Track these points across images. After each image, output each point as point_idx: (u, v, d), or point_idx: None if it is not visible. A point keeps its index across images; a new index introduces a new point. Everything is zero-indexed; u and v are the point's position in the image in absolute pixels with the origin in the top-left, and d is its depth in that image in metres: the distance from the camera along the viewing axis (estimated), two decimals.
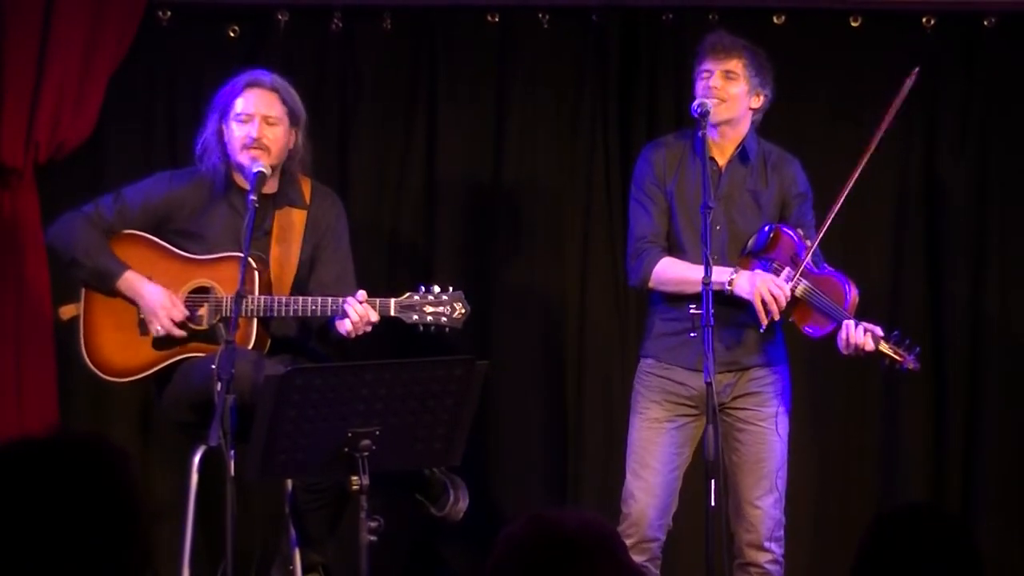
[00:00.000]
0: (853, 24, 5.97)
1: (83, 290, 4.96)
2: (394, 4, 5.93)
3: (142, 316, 4.89)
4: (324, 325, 4.88)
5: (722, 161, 5.08)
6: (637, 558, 4.90)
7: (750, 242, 5.03)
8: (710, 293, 4.69)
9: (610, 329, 5.96)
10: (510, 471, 5.96)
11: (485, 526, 5.33)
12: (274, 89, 4.92)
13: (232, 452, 4.36)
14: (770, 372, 5.05)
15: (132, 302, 4.90)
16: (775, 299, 4.88)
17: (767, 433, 5.02)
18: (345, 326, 4.72)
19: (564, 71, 6.00)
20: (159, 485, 5.52)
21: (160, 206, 4.96)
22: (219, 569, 4.66)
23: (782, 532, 5.03)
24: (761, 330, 4.95)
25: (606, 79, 5.96)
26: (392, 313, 4.76)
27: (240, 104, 4.89)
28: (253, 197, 4.73)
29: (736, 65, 5.02)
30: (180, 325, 4.85)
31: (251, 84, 4.92)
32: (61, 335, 5.25)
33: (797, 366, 5.22)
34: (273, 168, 4.90)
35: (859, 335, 4.83)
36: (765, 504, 5.00)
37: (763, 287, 4.88)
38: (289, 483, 4.84)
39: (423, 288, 4.79)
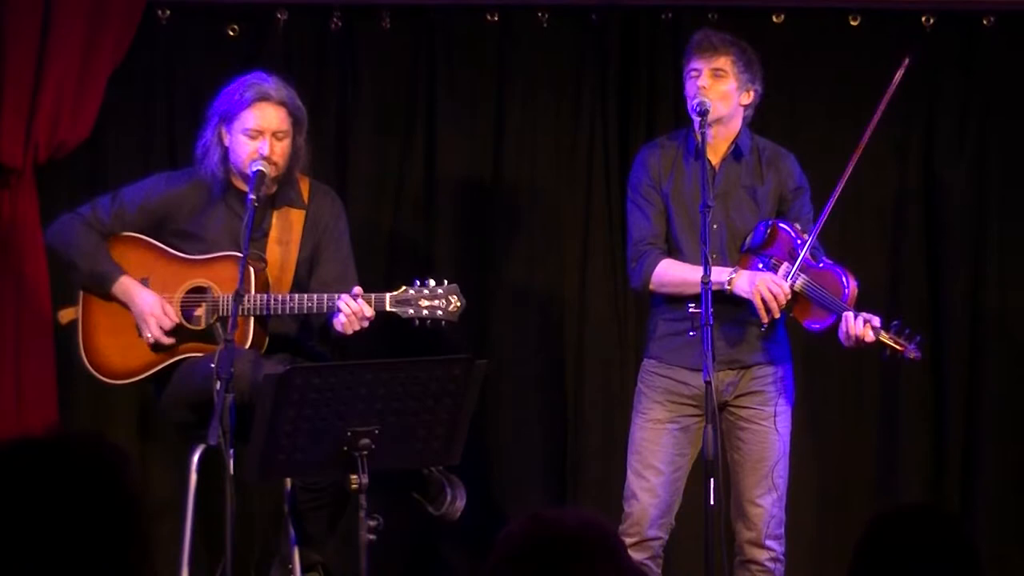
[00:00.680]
0: (852, 23, 5.97)
1: (81, 293, 4.97)
2: (393, 3, 5.92)
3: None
4: (325, 324, 4.88)
5: (716, 160, 5.07)
6: (638, 556, 4.90)
7: (748, 239, 5.04)
8: (709, 292, 4.69)
9: (610, 329, 5.95)
10: (510, 471, 5.95)
11: (485, 526, 5.33)
12: (282, 103, 4.88)
13: (231, 451, 4.36)
14: (773, 370, 5.05)
15: (127, 306, 4.91)
16: (775, 297, 4.88)
17: (769, 432, 5.01)
18: (339, 321, 4.73)
19: (564, 70, 5.99)
20: (158, 485, 5.51)
21: (158, 207, 4.96)
22: (218, 568, 4.67)
23: (783, 530, 5.03)
24: (763, 328, 4.95)
25: (606, 79, 5.96)
26: (388, 308, 4.76)
27: (249, 120, 4.85)
28: (252, 196, 4.73)
29: (724, 62, 5.00)
30: (178, 326, 4.86)
31: (260, 98, 4.87)
32: (61, 335, 5.25)
33: (796, 365, 5.21)
34: (276, 177, 4.90)
35: (858, 326, 4.83)
36: (766, 502, 5.00)
37: (762, 286, 4.88)
38: (288, 482, 4.84)
39: (418, 282, 4.79)
